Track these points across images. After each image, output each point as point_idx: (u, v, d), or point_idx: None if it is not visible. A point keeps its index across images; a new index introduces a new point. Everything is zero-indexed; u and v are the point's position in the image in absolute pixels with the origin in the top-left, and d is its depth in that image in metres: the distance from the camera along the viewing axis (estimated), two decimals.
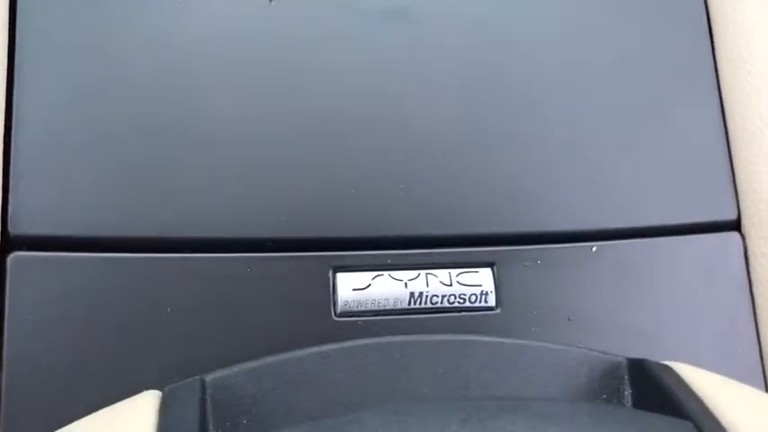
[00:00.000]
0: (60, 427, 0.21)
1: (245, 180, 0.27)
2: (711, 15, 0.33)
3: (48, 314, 0.25)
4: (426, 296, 0.27)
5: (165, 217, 0.26)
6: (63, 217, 0.26)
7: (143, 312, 0.25)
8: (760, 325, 0.30)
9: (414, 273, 0.27)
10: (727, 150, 0.31)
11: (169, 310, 0.26)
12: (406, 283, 0.27)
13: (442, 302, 0.27)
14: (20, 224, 0.25)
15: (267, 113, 0.28)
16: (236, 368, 0.23)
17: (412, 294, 0.27)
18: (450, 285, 0.27)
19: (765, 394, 0.22)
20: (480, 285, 0.28)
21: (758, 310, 0.30)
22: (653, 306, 0.29)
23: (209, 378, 0.22)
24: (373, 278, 0.27)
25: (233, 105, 0.28)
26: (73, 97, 0.27)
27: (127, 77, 0.27)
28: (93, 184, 0.26)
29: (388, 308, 0.27)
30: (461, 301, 0.27)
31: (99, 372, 0.25)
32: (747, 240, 0.31)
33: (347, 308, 0.27)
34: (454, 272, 0.28)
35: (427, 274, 0.27)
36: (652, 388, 0.23)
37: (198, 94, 0.28)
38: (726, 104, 0.32)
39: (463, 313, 0.27)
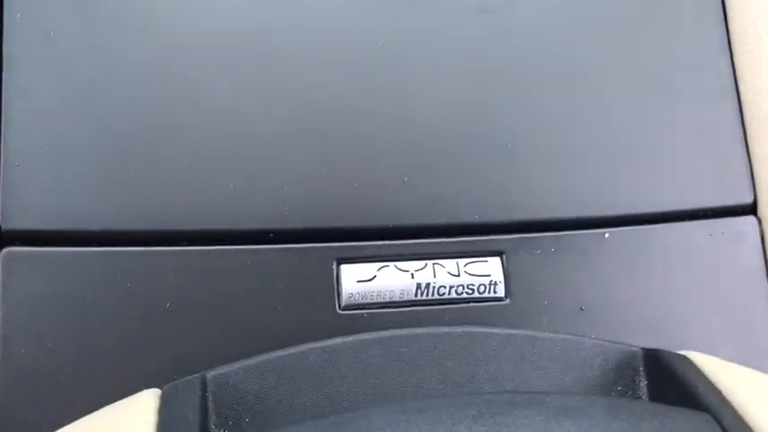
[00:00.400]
0: (57, 426, 0.20)
1: (246, 171, 0.26)
2: None
3: (43, 310, 0.24)
4: (434, 287, 0.26)
5: (162, 209, 0.26)
6: (56, 211, 0.25)
7: (141, 308, 0.25)
8: None
9: (420, 263, 0.27)
10: (742, 133, 0.31)
11: (168, 305, 0.25)
12: (412, 274, 0.26)
13: (449, 293, 0.26)
14: (12, 219, 0.25)
15: (268, 104, 0.27)
16: (237, 365, 0.22)
17: (419, 286, 0.26)
18: (459, 276, 0.27)
19: None
20: (489, 275, 0.27)
21: None
22: (668, 293, 0.28)
23: (210, 375, 0.22)
24: (378, 269, 0.26)
25: (233, 94, 0.27)
26: (63, 90, 0.26)
27: (119, 69, 0.26)
28: (86, 177, 0.25)
29: (394, 300, 0.26)
30: (470, 291, 0.27)
31: (96, 369, 0.24)
32: (764, 224, 0.30)
33: (352, 300, 0.26)
34: (462, 262, 0.27)
35: (434, 264, 0.27)
36: (668, 379, 0.22)
37: (195, 83, 0.27)
38: (740, 86, 0.31)
39: (472, 304, 0.27)
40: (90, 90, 0.26)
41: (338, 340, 0.22)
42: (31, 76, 0.26)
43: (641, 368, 0.24)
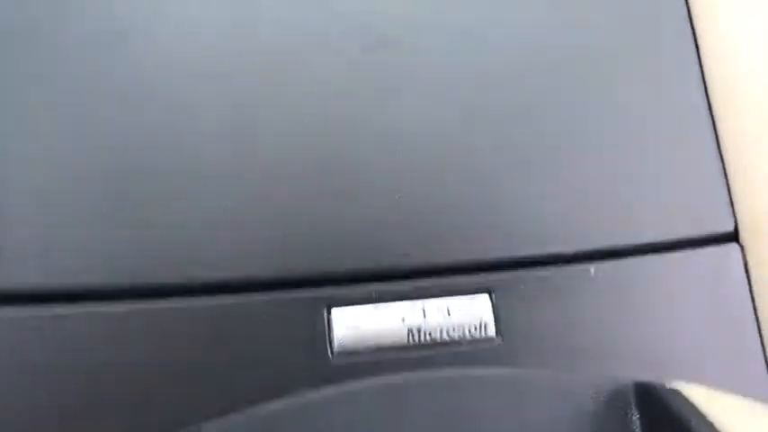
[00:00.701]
0: None
1: (227, 219, 0.26)
2: (694, 22, 0.33)
3: (34, 372, 0.24)
4: (424, 330, 0.26)
5: (144, 262, 0.25)
6: (42, 269, 0.25)
7: (128, 363, 0.25)
8: (765, 337, 0.29)
9: (410, 305, 0.27)
10: (719, 159, 0.31)
11: (155, 359, 0.25)
12: (403, 318, 0.26)
13: (441, 335, 0.26)
14: None
15: (247, 146, 0.27)
16: (229, 418, 0.22)
17: (410, 330, 0.26)
18: (449, 316, 0.27)
19: None
20: (478, 315, 0.27)
21: (762, 322, 0.29)
22: (656, 324, 0.28)
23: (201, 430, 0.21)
24: (369, 314, 0.26)
25: (213, 141, 0.27)
26: (47, 145, 0.26)
27: (101, 121, 0.27)
28: (69, 231, 0.25)
29: (386, 345, 0.26)
30: (460, 332, 0.27)
31: (87, 429, 0.24)
32: (746, 251, 0.30)
33: (343, 347, 0.26)
34: (451, 302, 0.27)
35: (423, 306, 0.27)
36: (661, 412, 0.22)
37: (175, 129, 0.27)
38: (715, 112, 0.32)
39: (463, 345, 0.27)
40: (71, 140, 0.26)
41: (331, 390, 0.22)
42: (12, 132, 0.26)
43: (633, 402, 0.24)
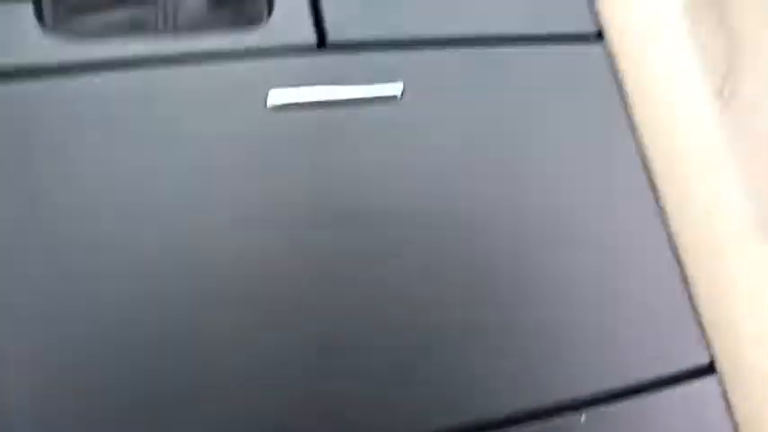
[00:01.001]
0: None
1: (227, 414, 0.27)
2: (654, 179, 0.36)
3: None
4: None
5: None
6: None
7: None
8: None
9: None
10: (687, 296, 0.33)
11: None
12: None
13: None
14: None
15: (248, 335, 0.28)
16: None
17: None
18: None
19: None
20: None
21: None
22: None
23: None
24: None
25: (223, 344, 0.28)
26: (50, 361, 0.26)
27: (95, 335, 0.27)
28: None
29: None
30: None
31: None
32: (724, 382, 0.32)
33: None
34: None
35: None
36: None
37: (183, 331, 0.28)
38: (679, 243, 0.34)
39: None
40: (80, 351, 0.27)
41: None
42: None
43: None
